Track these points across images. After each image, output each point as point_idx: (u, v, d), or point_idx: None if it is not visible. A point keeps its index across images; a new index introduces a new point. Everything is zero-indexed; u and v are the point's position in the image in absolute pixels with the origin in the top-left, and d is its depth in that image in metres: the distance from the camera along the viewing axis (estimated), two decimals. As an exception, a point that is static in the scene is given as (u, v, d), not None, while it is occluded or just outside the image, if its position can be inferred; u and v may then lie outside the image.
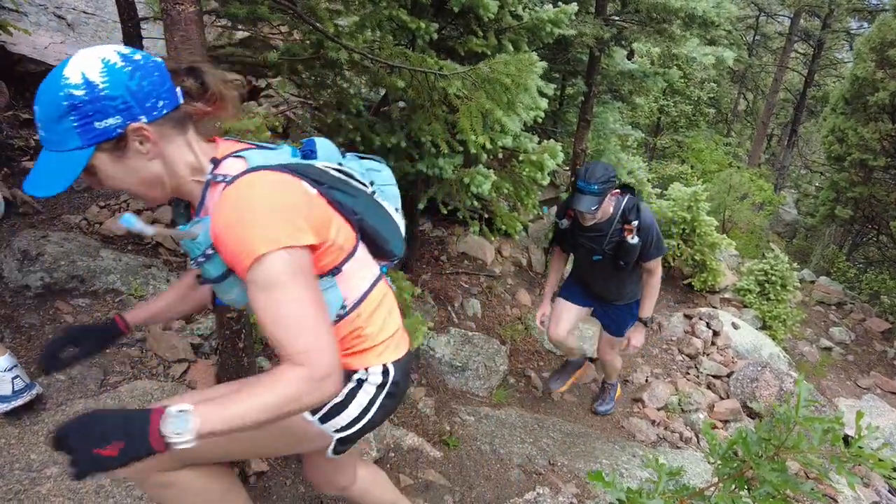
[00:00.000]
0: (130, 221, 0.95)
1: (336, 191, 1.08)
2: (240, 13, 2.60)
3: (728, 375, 4.33)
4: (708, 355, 4.67)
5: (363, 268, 1.16)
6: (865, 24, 14.81)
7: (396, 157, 2.98)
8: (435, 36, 2.68)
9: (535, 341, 4.08)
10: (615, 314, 2.91)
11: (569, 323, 2.90)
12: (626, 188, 2.58)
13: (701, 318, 5.13)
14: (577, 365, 3.20)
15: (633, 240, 2.48)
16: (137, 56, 0.90)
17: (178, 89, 0.95)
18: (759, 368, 4.11)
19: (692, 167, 13.44)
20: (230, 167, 0.96)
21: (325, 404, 1.13)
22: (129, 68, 0.87)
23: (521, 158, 3.10)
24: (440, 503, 2.19)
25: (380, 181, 1.32)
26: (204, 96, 0.98)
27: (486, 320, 4.05)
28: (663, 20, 4.82)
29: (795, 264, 6.43)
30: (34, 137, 3.49)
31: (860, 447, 1.08)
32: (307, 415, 1.12)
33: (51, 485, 1.66)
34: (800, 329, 6.35)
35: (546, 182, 3.07)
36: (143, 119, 0.88)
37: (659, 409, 3.70)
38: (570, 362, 3.19)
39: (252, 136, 1.86)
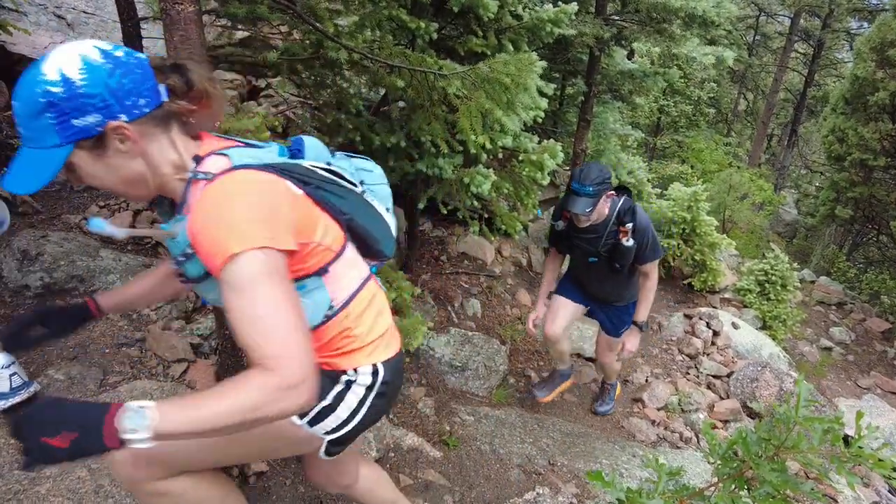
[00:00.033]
0: (99, 225, 0.93)
1: (324, 191, 1.07)
2: (239, 13, 2.60)
3: (728, 375, 4.33)
4: (708, 355, 4.67)
5: (352, 268, 1.15)
6: (865, 24, 14.81)
7: (396, 157, 2.98)
8: (435, 36, 2.68)
9: (535, 341, 4.08)
10: (613, 314, 2.89)
11: (565, 320, 2.87)
12: (622, 190, 2.57)
13: (701, 318, 5.12)
14: (565, 376, 3.12)
15: (628, 242, 2.47)
16: (119, 52, 0.88)
17: (162, 87, 0.93)
18: (759, 368, 4.11)
19: (692, 167, 13.44)
20: (213, 165, 0.94)
21: (311, 409, 1.12)
22: (110, 65, 0.85)
23: (521, 158, 3.10)
24: (440, 503, 2.19)
25: (370, 181, 1.30)
26: (189, 94, 0.96)
27: (485, 320, 4.05)
28: (663, 20, 4.82)
29: (795, 264, 6.43)
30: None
31: (860, 447, 1.08)
32: (295, 419, 1.10)
33: (50, 485, 1.66)
34: (800, 329, 6.35)
35: (546, 182, 3.07)
36: (124, 118, 0.87)
37: (659, 409, 3.70)
38: (559, 372, 3.11)
39: (252, 136, 1.85)
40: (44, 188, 3.22)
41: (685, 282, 6.35)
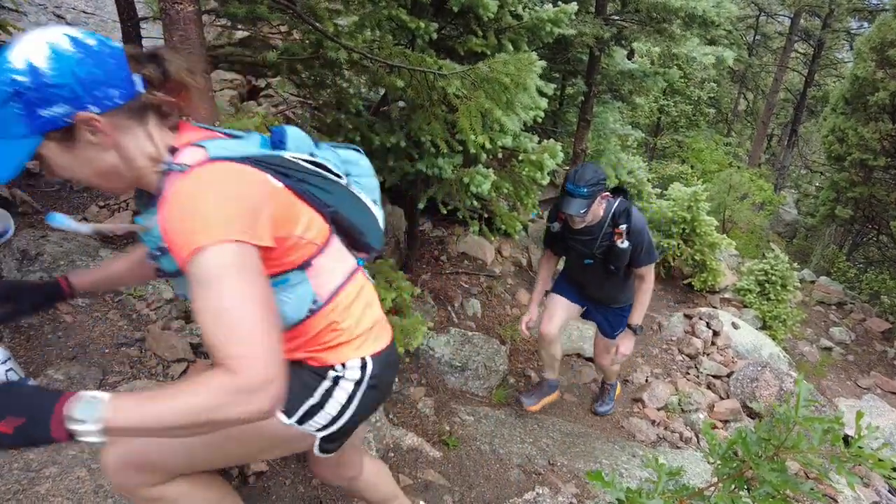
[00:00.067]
0: (60, 220, 0.92)
1: (306, 183, 1.04)
2: (239, 13, 2.60)
3: (728, 375, 4.32)
4: (708, 355, 4.66)
5: (337, 262, 1.13)
6: (865, 24, 14.81)
7: (396, 157, 2.98)
8: (434, 35, 2.68)
9: (535, 341, 4.08)
10: (610, 316, 2.87)
11: (562, 320, 2.84)
12: (619, 191, 2.55)
13: (701, 318, 5.12)
14: (552, 388, 3.06)
15: (623, 244, 2.44)
16: (91, 41, 0.85)
17: (138, 77, 0.90)
18: (759, 368, 4.11)
19: (692, 167, 13.45)
20: (188, 157, 0.91)
21: (298, 407, 1.10)
22: (80, 55, 0.82)
23: (520, 158, 3.10)
24: (440, 503, 2.19)
25: (356, 172, 1.27)
26: (166, 85, 0.93)
27: (485, 320, 4.04)
28: (663, 20, 4.82)
29: (795, 264, 6.43)
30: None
31: (860, 447, 1.08)
32: (283, 418, 1.08)
33: (49, 485, 1.66)
34: (800, 329, 6.35)
35: (546, 182, 3.07)
36: (94, 109, 0.83)
37: (659, 409, 3.70)
38: (547, 382, 3.05)
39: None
40: (43, 188, 3.20)
41: (685, 282, 6.35)
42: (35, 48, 0.80)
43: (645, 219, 2.53)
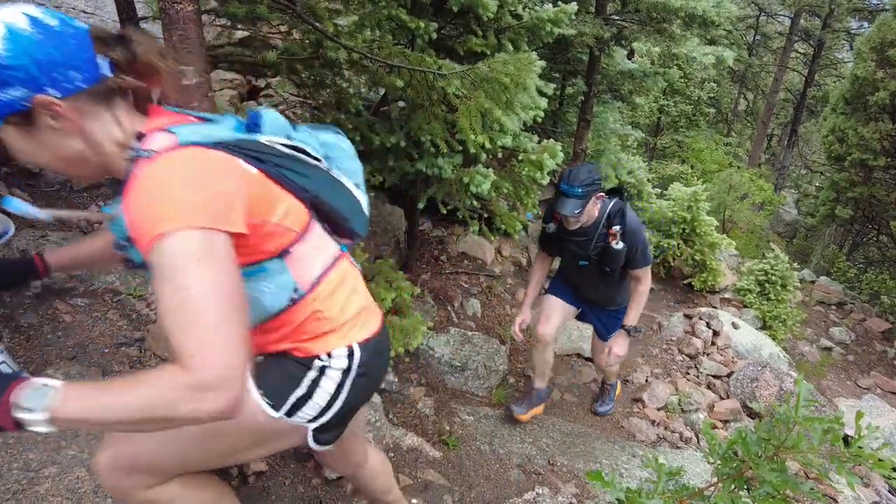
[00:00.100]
0: (17, 206, 0.89)
1: (283, 168, 1.00)
2: (239, 12, 2.60)
3: (728, 375, 4.32)
4: (708, 355, 4.66)
5: (318, 249, 1.09)
6: (866, 24, 14.81)
7: (396, 157, 2.98)
8: (434, 35, 2.68)
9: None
10: (605, 318, 2.84)
11: (558, 321, 2.81)
12: (614, 192, 2.52)
13: (701, 318, 5.12)
14: (542, 398, 3.02)
15: (618, 245, 2.41)
16: (52, 21, 0.81)
17: (104, 60, 0.85)
18: (759, 368, 4.10)
19: (692, 167, 13.45)
20: (157, 142, 0.87)
21: (285, 399, 1.07)
22: (38, 35, 0.78)
23: (520, 158, 3.10)
24: (439, 503, 2.19)
25: (336, 155, 1.21)
26: (135, 68, 0.89)
27: (485, 320, 4.04)
28: (663, 20, 4.82)
29: (795, 264, 6.44)
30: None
31: (860, 447, 1.08)
32: (271, 411, 1.05)
33: (49, 484, 1.66)
34: (800, 329, 6.35)
35: (546, 182, 3.06)
36: (54, 92, 0.80)
37: (659, 409, 3.70)
38: (536, 391, 3.00)
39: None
40: (43, 188, 3.19)
41: (685, 282, 6.35)
42: None
43: (640, 220, 2.50)
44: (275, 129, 1.05)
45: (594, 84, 5.49)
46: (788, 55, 16.13)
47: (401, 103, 3.12)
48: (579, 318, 2.96)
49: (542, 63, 2.45)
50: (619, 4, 5.23)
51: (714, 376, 4.32)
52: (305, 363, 1.09)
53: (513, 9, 2.93)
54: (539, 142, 3.20)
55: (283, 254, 1.01)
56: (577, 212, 2.31)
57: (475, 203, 3.07)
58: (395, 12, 2.49)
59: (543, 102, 2.71)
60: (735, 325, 5.15)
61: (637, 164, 7.00)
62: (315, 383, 1.09)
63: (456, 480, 2.37)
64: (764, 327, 5.80)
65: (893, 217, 9.05)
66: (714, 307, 5.82)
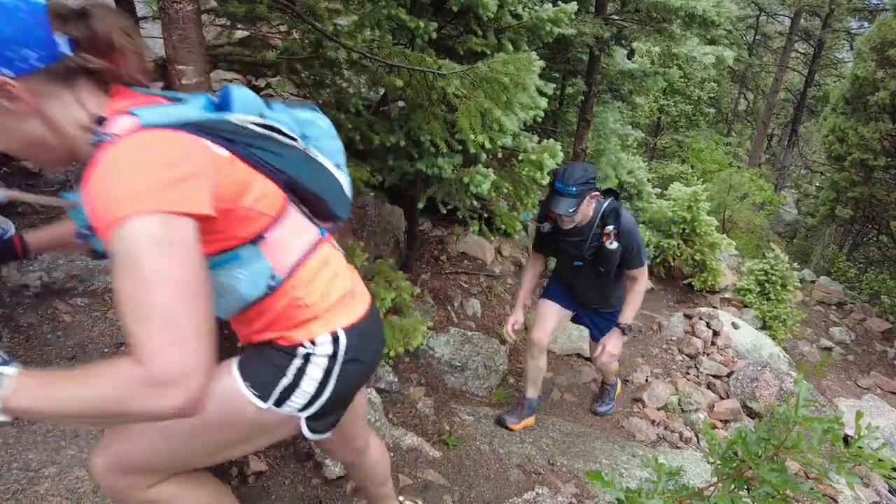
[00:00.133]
0: None
1: (255, 148, 0.96)
2: (238, 12, 2.60)
3: (728, 375, 4.32)
4: (708, 355, 4.66)
5: (296, 233, 1.05)
6: (866, 24, 14.81)
7: (396, 157, 2.98)
8: (434, 35, 2.67)
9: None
10: (599, 320, 2.80)
11: (552, 326, 2.80)
12: (609, 192, 2.51)
13: (701, 318, 5.12)
14: (532, 409, 2.99)
15: (612, 245, 2.39)
16: None
17: (63, 38, 0.81)
18: (759, 368, 4.10)
19: (692, 167, 13.45)
20: (119, 126, 0.82)
21: (272, 389, 1.03)
22: None
23: (520, 158, 3.10)
24: (439, 503, 2.19)
25: (314, 133, 1.15)
26: (97, 46, 0.83)
27: (485, 320, 4.04)
28: (663, 19, 4.82)
29: (795, 264, 6.44)
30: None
31: (860, 447, 1.08)
32: (259, 402, 1.03)
33: (49, 484, 1.66)
34: (800, 329, 6.35)
35: (546, 182, 3.06)
36: (6, 72, 0.76)
37: (659, 409, 3.70)
38: (528, 401, 2.98)
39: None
40: (43, 188, 3.19)
41: (685, 282, 6.35)
42: None
43: (635, 220, 2.48)
44: (246, 107, 1.00)
45: (594, 84, 5.49)
46: (788, 55, 16.13)
47: (400, 103, 3.12)
48: (574, 320, 2.94)
49: (542, 63, 2.45)
50: (618, 4, 5.24)
51: (714, 376, 4.32)
52: (289, 351, 1.05)
53: (513, 8, 2.93)
54: (539, 142, 3.20)
55: (257, 239, 0.97)
56: (571, 211, 2.29)
57: (475, 203, 3.07)
58: (394, 12, 2.49)
59: (543, 102, 2.71)
60: (735, 325, 5.15)
61: (637, 164, 7.01)
62: (301, 371, 1.05)
63: (456, 480, 2.37)
64: (764, 327, 5.80)
65: (893, 217, 9.05)
66: (714, 307, 5.82)
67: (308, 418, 1.10)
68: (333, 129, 1.21)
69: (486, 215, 3.88)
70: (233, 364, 1.06)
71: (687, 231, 6.07)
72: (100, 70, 0.85)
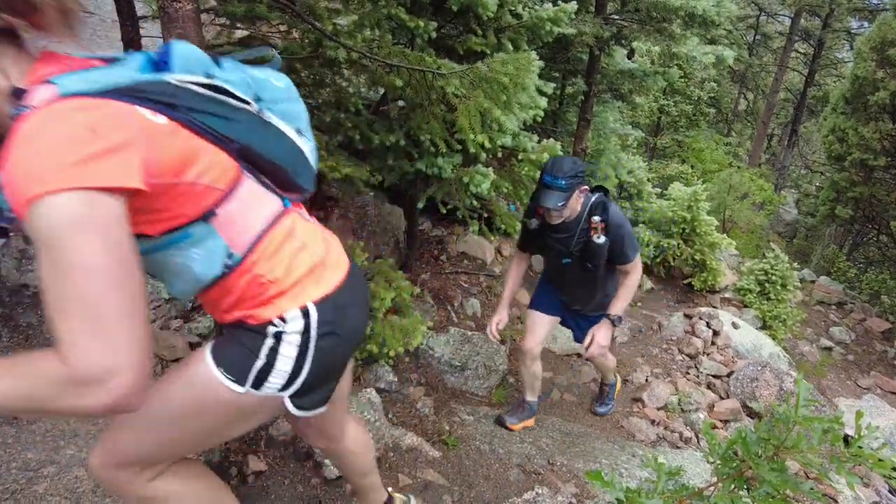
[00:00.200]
0: None
1: (199, 113, 0.86)
2: (238, 11, 2.60)
3: (728, 375, 4.32)
4: (708, 355, 4.66)
5: (253, 207, 0.97)
6: (866, 24, 14.82)
7: (395, 156, 2.97)
8: (434, 35, 2.67)
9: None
10: (585, 324, 2.71)
11: (542, 334, 2.77)
12: (599, 188, 2.45)
13: (701, 318, 5.12)
14: (532, 411, 2.97)
15: (600, 239, 2.32)
16: None
17: None
18: (759, 368, 4.10)
19: (692, 167, 13.45)
20: (37, 97, 0.74)
21: (247, 373, 0.99)
22: None
23: (520, 157, 3.10)
24: (439, 502, 2.18)
25: (270, 96, 1.03)
26: (11, 4, 0.75)
27: (485, 320, 4.04)
28: (663, 19, 4.82)
29: (796, 264, 6.44)
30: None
31: (860, 447, 1.08)
32: (235, 386, 0.99)
33: (48, 484, 1.66)
34: (800, 329, 6.35)
35: (546, 181, 3.06)
36: None
37: (659, 409, 3.70)
38: (527, 403, 2.96)
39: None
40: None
41: (685, 282, 6.35)
42: None
43: (624, 214, 2.41)
44: (189, 66, 0.89)
45: (594, 83, 5.49)
46: (788, 55, 16.13)
47: (400, 102, 3.11)
48: (560, 323, 2.89)
49: (541, 63, 2.44)
50: (618, 4, 5.24)
51: (714, 376, 4.32)
52: (260, 331, 1.00)
53: (512, 8, 2.93)
54: (539, 141, 3.20)
55: (207, 216, 0.89)
56: (560, 205, 2.21)
57: (475, 203, 3.07)
58: (394, 11, 2.49)
59: (543, 102, 2.71)
60: (735, 325, 5.14)
61: (637, 164, 7.01)
62: (274, 351, 1.00)
63: (455, 480, 2.36)
64: (764, 327, 5.79)
65: (894, 217, 9.04)
66: (714, 307, 5.82)
67: (293, 396, 1.06)
68: (294, 89, 1.10)
69: (485, 215, 3.88)
70: (206, 350, 1.03)
71: (687, 231, 6.07)
72: (19, 30, 0.76)
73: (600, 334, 2.51)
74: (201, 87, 0.89)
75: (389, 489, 1.77)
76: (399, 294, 2.74)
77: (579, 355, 4.17)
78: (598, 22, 4.75)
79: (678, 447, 3.27)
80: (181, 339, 2.47)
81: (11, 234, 0.95)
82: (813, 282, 8.30)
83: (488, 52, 2.88)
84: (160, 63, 0.87)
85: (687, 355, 4.63)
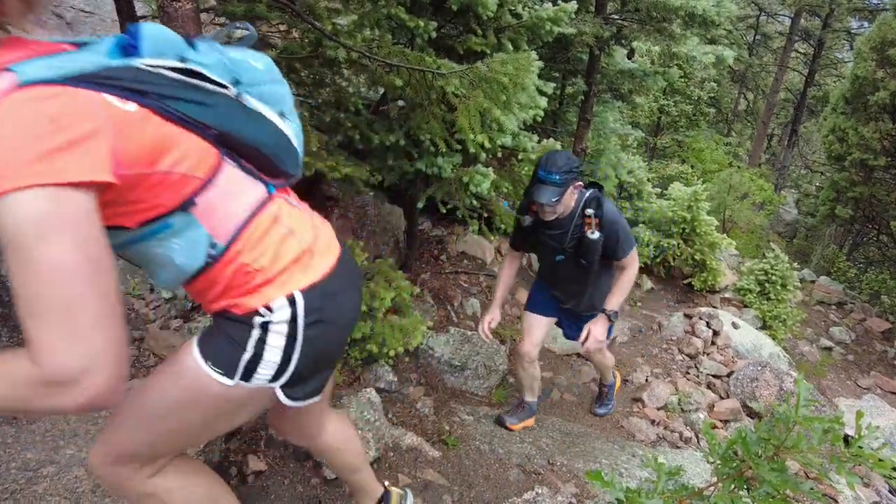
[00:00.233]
0: None
1: (172, 99, 0.83)
2: (238, 11, 2.60)
3: (728, 375, 4.32)
4: (708, 355, 4.66)
5: (235, 194, 0.94)
6: (866, 24, 14.82)
7: (395, 156, 2.98)
8: (434, 34, 2.68)
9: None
10: (580, 324, 2.63)
11: (539, 337, 2.74)
12: (593, 185, 2.42)
13: (701, 318, 5.12)
14: (532, 412, 2.96)
15: (594, 235, 2.28)
16: None
17: None
18: (759, 368, 4.10)
19: (692, 167, 13.46)
20: None
21: (235, 365, 0.97)
22: None
23: (520, 157, 3.11)
24: (439, 502, 2.18)
25: (249, 78, 0.99)
26: None
27: (485, 320, 4.04)
28: (663, 19, 4.82)
29: (796, 264, 6.44)
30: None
31: (860, 447, 1.08)
32: (225, 380, 0.98)
33: (47, 484, 1.65)
34: (800, 329, 6.35)
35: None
36: None
37: (659, 409, 3.70)
38: (527, 404, 2.95)
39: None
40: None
41: (685, 281, 6.35)
42: None
43: (618, 210, 2.39)
44: (159, 50, 0.85)
45: (594, 83, 5.49)
46: (788, 55, 16.13)
47: (400, 102, 3.12)
48: (557, 324, 2.87)
49: (541, 63, 2.44)
50: (618, 3, 5.24)
51: (714, 376, 4.32)
52: (246, 321, 0.98)
53: (512, 8, 2.93)
54: (539, 141, 3.20)
55: (186, 205, 0.86)
56: (554, 200, 2.17)
57: (475, 202, 3.07)
58: (394, 11, 2.49)
59: (543, 102, 2.71)
60: (735, 325, 5.14)
61: (637, 164, 7.01)
62: (262, 342, 0.98)
63: (455, 480, 2.36)
64: (764, 327, 5.79)
65: (894, 217, 9.05)
66: (714, 307, 5.82)
67: (284, 386, 1.04)
68: (275, 70, 1.06)
69: (485, 215, 3.88)
70: (193, 342, 1.02)
71: (687, 231, 6.07)
72: None
73: (597, 329, 2.46)
74: (174, 72, 0.85)
75: (386, 483, 1.76)
76: (399, 294, 2.74)
77: (579, 355, 4.17)
78: (598, 22, 4.75)
79: (678, 447, 3.27)
80: (181, 339, 2.47)
81: None
82: (813, 282, 8.31)
83: (488, 51, 2.88)
84: (129, 47, 0.83)
85: (687, 355, 4.62)
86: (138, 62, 0.81)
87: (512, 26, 2.99)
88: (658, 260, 6.22)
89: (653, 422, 3.51)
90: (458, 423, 2.83)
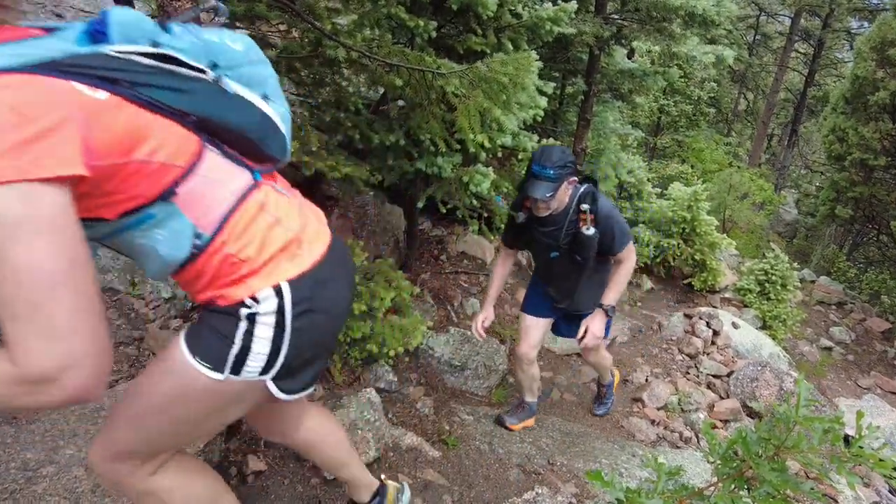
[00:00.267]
0: None
1: (144, 87, 0.79)
2: (238, 11, 2.59)
3: (728, 375, 4.32)
4: (708, 355, 4.66)
5: (219, 182, 0.91)
6: (866, 24, 14.82)
7: (395, 156, 2.97)
8: (434, 34, 2.67)
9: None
10: (573, 325, 2.63)
11: (537, 338, 2.73)
12: (588, 179, 2.38)
13: (701, 318, 5.12)
14: (532, 412, 2.95)
15: (589, 230, 2.25)
16: None
17: None
18: (759, 368, 4.10)
19: (692, 167, 13.46)
20: None
21: (224, 359, 0.96)
22: None
23: (520, 157, 3.10)
24: (439, 502, 2.18)
25: (227, 61, 0.95)
26: None
27: (485, 320, 4.04)
28: (663, 19, 4.82)
29: (796, 264, 6.44)
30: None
31: (860, 447, 1.07)
32: (214, 374, 0.96)
33: (47, 484, 1.65)
34: (800, 329, 6.35)
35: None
36: None
37: (659, 409, 3.69)
38: (527, 404, 2.94)
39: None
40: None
41: (685, 281, 6.35)
42: None
43: (613, 204, 2.36)
44: (129, 35, 0.81)
45: (594, 83, 5.49)
46: (788, 55, 16.13)
47: (400, 102, 3.11)
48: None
49: (541, 63, 2.44)
50: (618, 3, 5.24)
51: (714, 376, 4.32)
52: (232, 312, 0.96)
53: (512, 7, 2.93)
54: (539, 141, 3.20)
55: (167, 195, 0.84)
56: (548, 195, 2.14)
57: (475, 202, 3.06)
58: (394, 11, 2.49)
59: (543, 101, 2.71)
60: (735, 325, 5.14)
61: (637, 164, 7.01)
62: (249, 335, 0.96)
63: (455, 480, 2.36)
64: (764, 327, 5.79)
65: (894, 217, 9.04)
66: (714, 307, 5.82)
67: (276, 379, 1.02)
68: (256, 51, 1.02)
69: (485, 215, 3.88)
70: (180, 337, 1.01)
71: (687, 231, 6.07)
72: None
73: (594, 324, 2.44)
74: (147, 58, 0.82)
75: (383, 476, 1.76)
76: (399, 294, 2.74)
77: (579, 355, 4.17)
78: (598, 21, 4.75)
79: (678, 447, 3.27)
80: (181, 339, 2.47)
81: None
82: (813, 282, 8.31)
83: (488, 51, 2.88)
84: (97, 34, 0.80)
85: (687, 355, 4.62)
86: (108, 49, 0.78)
87: (512, 26, 2.99)
88: (658, 260, 6.22)
89: (653, 422, 3.51)
90: (458, 422, 2.83)
